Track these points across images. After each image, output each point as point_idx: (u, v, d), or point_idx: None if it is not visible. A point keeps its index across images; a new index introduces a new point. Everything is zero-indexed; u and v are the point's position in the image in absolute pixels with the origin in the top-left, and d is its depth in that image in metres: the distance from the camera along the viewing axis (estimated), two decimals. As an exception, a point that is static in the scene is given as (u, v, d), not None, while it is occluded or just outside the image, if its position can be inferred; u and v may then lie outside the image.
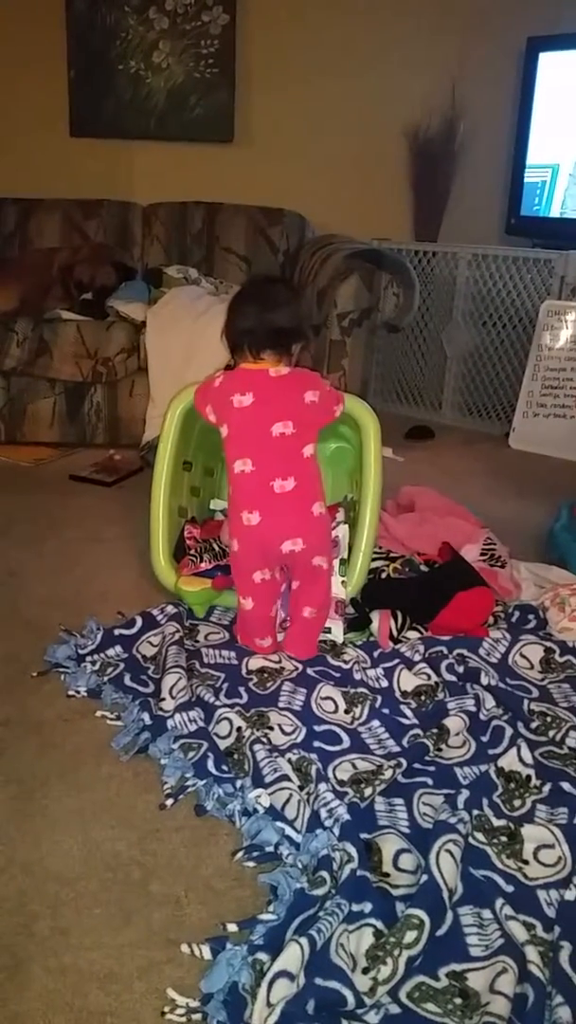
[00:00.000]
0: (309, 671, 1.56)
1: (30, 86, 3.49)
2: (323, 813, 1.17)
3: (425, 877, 1.05)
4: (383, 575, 1.78)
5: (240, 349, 1.60)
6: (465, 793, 1.23)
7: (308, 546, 1.55)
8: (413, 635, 1.67)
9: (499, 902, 1.05)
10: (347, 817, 1.16)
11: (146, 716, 1.40)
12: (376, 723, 1.43)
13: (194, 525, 1.87)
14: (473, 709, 1.44)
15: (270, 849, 1.15)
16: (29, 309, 2.86)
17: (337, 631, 1.66)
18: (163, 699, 1.42)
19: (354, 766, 1.31)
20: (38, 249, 3.25)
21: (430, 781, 1.28)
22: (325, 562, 1.60)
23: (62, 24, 3.39)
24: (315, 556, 1.57)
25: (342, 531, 1.76)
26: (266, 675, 1.55)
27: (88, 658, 1.57)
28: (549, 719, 1.44)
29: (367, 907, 1.02)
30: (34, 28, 3.42)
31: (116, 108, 3.49)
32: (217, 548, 1.80)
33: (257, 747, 1.31)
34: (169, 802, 1.24)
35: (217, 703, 1.43)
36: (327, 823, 1.16)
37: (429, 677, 1.54)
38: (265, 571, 1.58)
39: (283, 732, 1.38)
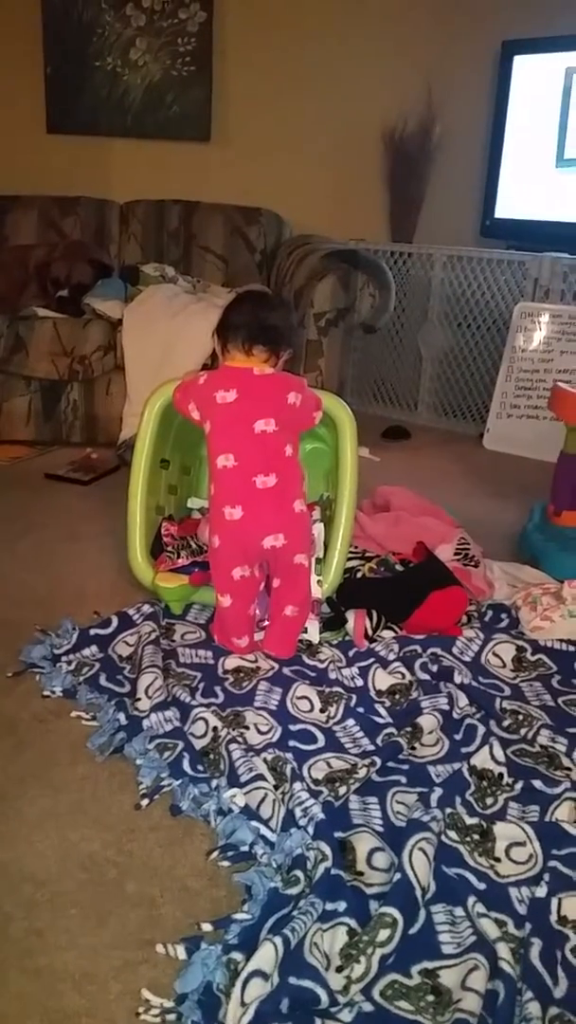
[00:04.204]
0: (285, 670, 1.57)
1: (6, 82, 3.47)
2: (298, 812, 1.18)
3: (398, 875, 1.06)
4: (358, 574, 1.79)
5: (234, 343, 1.61)
6: (438, 791, 1.24)
7: (289, 542, 1.56)
8: (388, 634, 1.69)
9: (471, 900, 1.06)
10: (321, 816, 1.17)
11: (122, 716, 1.39)
12: (351, 722, 1.44)
13: (171, 523, 1.87)
14: (446, 707, 1.45)
15: (245, 849, 1.15)
16: (4, 306, 2.84)
17: (313, 631, 1.67)
18: (139, 699, 1.42)
19: (329, 765, 1.32)
20: (14, 246, 3.23)
21: (404, 780, 1.29)
22: (305, 560, 1.61)
23: (38, 20, 3.37)
24: (296, 554, 1.58)
25: (317, 530, 1.77)
26: (242, 675, 1.55)
27: (63, 658, 1.57)
28: (521, 717, 1.45)
29: (341, 906, 1.03)
30: (10, 24, 3.39)
31: (93, 105, 3.48)
32: (194, 545, 1.80)
33: (233, 747, 1.31)
34: (144, 802, 1.24)
35: (193, 703, 1.44)
36: (302, 822, 1.16)
37: (403, 676, 1.55)
38: (245, 568, 1.58)
39: (259, 731, 1.38)
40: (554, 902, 1.06)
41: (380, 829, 1.18)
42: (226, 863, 1.14)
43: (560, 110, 3.20)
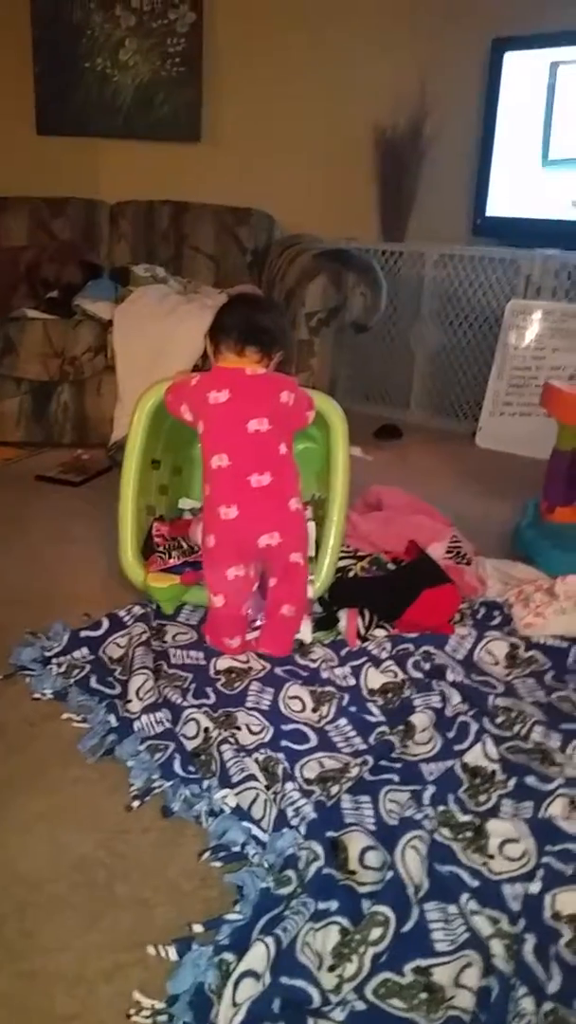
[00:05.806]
0: (277, 670, 1.56)
1: (-6, 83, 3.46)
2: (289, 812, 1.18)
3: (391, 874, 1.05)
4: (350, 574, 1.79)
5: (226, 343, 1.61)
6: (431, 789, 1.23)
7: (284, 541, 1.56)
8: (380, 633, 1.68)
9: (464, 897, 1.05)
10: (313, 816, 1.16)
11: (112, 718, 1.39)
12: (343, 721, 1.44)
13: (162, 523, 1.86)
14: (439, 705, 1.44)
15: (237, 849, 1.14)
16: (-6, 308, 2.83)
17: (305, 630, 1.67)
18: (130, 701, 1.41)
19: (321, 764, 1.31)
20: (4, 248, 3.22)
21: (396, 778, 1.28)
22: (301, 558, 1.60)
23: (27, 20, 3.36)
24: (292, 552, 1.58)
25: (309, 529, 1.76)
26: (234, 675, 1.54)
27: (54, 660, 1.56)
28: (514, 714, 1.45)
29: (333, 905, 1.02)
30: (-2, 24, 3.39)
31: (82, 106, 3.47)
32: (186, 545, 1.80)
33: (224, 747, 1.31)
34: (136, 804, 1.23)
35: (184, 704, 1.43)
36: (293, 822, 1.16)
37: (396, 675, 1.55)
38: (239, 567, 1.58)
39: (250, 732, 1.38)
40: (547, 898, 1.06)
41: (372, 828, 1.18)
42: (218, 864, 1.13)
43: (544, 110, 3.19)
